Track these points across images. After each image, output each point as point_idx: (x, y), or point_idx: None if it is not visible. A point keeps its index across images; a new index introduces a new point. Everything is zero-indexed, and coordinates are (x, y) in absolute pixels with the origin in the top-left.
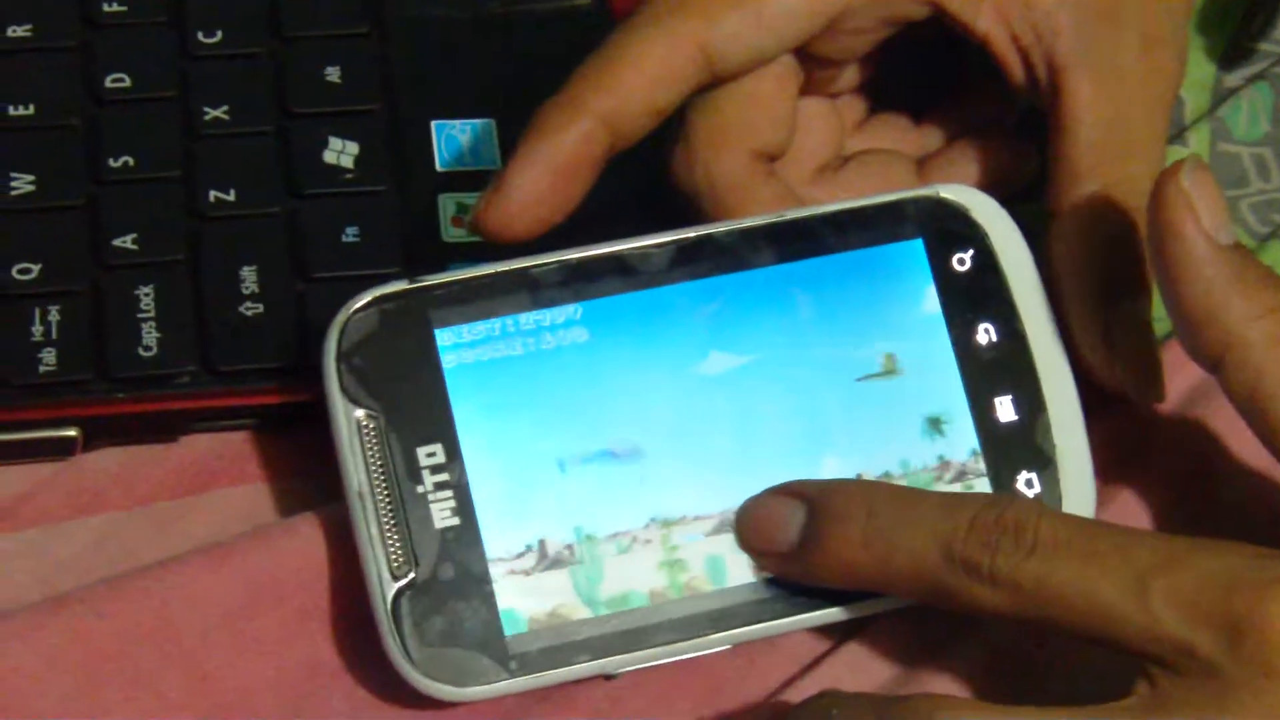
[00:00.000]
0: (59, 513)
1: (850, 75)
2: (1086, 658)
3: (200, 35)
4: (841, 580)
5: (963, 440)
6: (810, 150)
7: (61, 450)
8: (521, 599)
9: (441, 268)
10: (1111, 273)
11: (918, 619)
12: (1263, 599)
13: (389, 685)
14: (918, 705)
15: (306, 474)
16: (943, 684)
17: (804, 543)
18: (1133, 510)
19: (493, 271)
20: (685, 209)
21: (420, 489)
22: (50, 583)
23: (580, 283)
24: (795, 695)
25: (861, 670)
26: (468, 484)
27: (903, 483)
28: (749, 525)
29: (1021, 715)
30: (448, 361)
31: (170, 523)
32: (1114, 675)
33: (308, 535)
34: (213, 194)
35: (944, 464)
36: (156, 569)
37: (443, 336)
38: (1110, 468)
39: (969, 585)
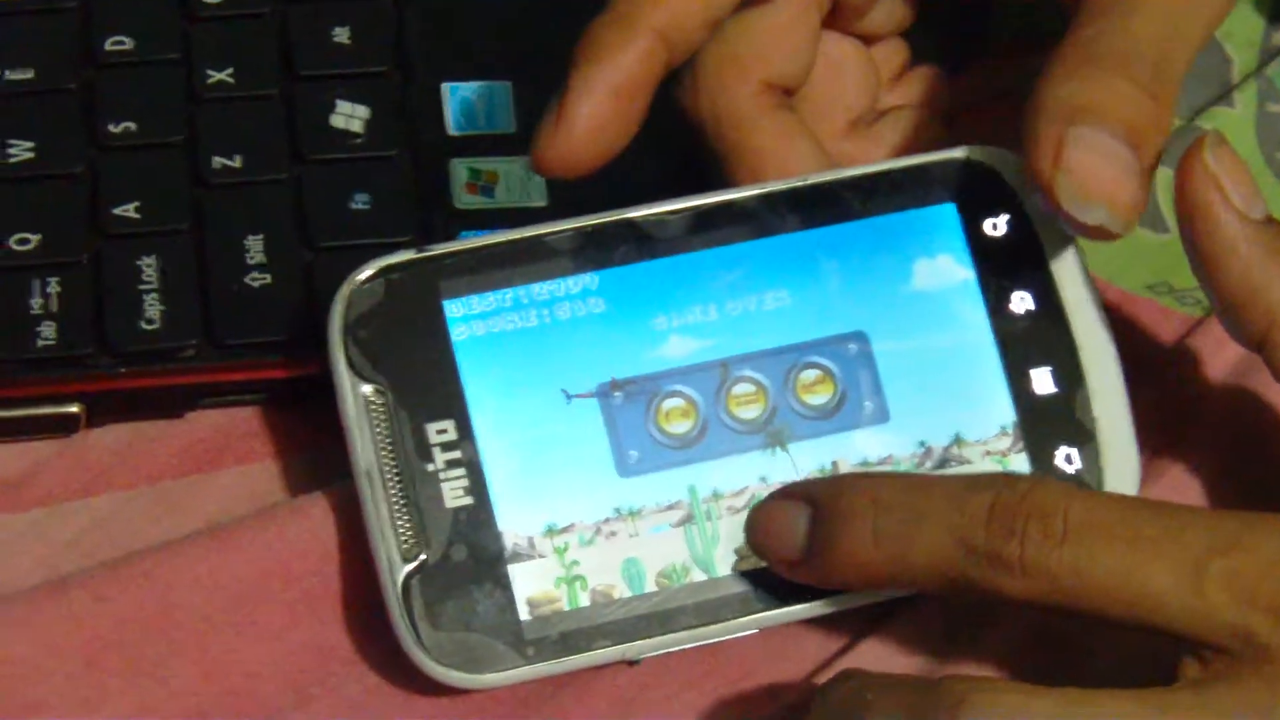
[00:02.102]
0: (61, 493)
1: (883, 15)
2: (1130, 638)
3: None
4: (857, 582)
5: (999, 413)
6: (844, 103)
7: (63, 427)
8: (538, 581)
9: (453, 235)
10: (1082, 101)
11: (947, 606)
12: None
13: (401, 672)
14: (952, 688)
15: (317, 451)
16: (982, 667)
17: (812, 547)
18: (1182, 485)
19: (504, 239)
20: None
21: (431, 467)
22: (53, 565)
23: (596, 251)
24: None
25: (898, 653)
26: (480, 462)
27: (938, 456)
28: (755, 532)
29: (1059, 697)
30: (458, 334)
31: (176, 502)
32: (1161, 654)
33: (316, 516)
34: (217, 160)
35: (979, 439)
36: (160, 552)
37: (452, 308)
38: (1157, 440)
39: (995, 577)
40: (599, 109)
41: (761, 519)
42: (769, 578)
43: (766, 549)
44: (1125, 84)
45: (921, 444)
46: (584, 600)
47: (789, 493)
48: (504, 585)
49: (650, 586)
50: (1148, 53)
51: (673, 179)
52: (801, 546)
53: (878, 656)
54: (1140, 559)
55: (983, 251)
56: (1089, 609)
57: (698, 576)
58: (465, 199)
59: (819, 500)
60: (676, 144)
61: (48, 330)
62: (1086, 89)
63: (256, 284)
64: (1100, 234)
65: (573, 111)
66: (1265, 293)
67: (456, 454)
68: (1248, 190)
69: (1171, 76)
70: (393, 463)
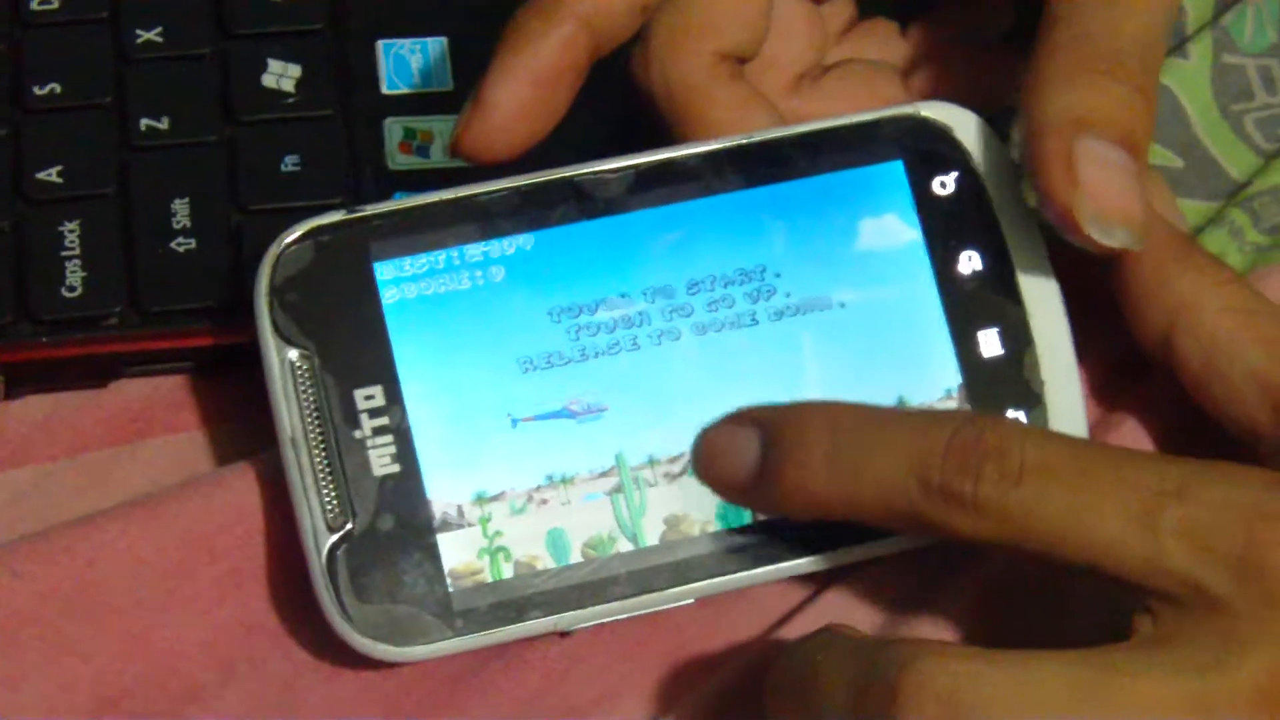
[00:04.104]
0: None
1: None
2: (1087, 604)
3: None
4: (806, 511)
5: (945, 375)
6: (790, 57)
7: None
8: (467, 551)
9: (387, 196)
10: (1084, 112)
11: (898, 569)
12: (1277, 532)
13: (329, 646)
14: (901, 650)
15: (245, 420)
16: (936, 629)
17: (762, 472)
18: (1134, 440)
19: (436, 200)
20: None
21: (358, 434)
22: None
23: (532, 211)
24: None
25: (843, 618)
26: (409, 428)
27: None
28: (703, 455)
29: (1011, 661)
30: (388, 297)
31: (101, 474)
32: (1117, 611)
33: (242, 487)
34: (144, 122)
35: (924, 401)
36: (81, 525)
37: (382, 270)
38: (1108, 396)
39: (948, 514)
40: (518, 95)
41: (711, 441)
42: (705, 546)
43: (715, 473)
44: (1119, 87)
45: None
46: (514, 570)
47: (741, 416)
48: (432, 555)
49: (581, 556)
50: (1134, 49)
51: (613, 138)
52: (751, 472)
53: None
54: (1092, 501)
55: (930, 210)
56: (1042, 550)
57: (630, 546)
58: (400, 159)
59: (772, 425)
60: (617, 103)
61: None
62: (1085, 97)
63: (183, 249)
64: (1117, 252)
65: (492, 97)
66: (1175, 281)
67: (384, 420)
68: (1170, 204)
69: (1156, 67)
70: (319, 429)
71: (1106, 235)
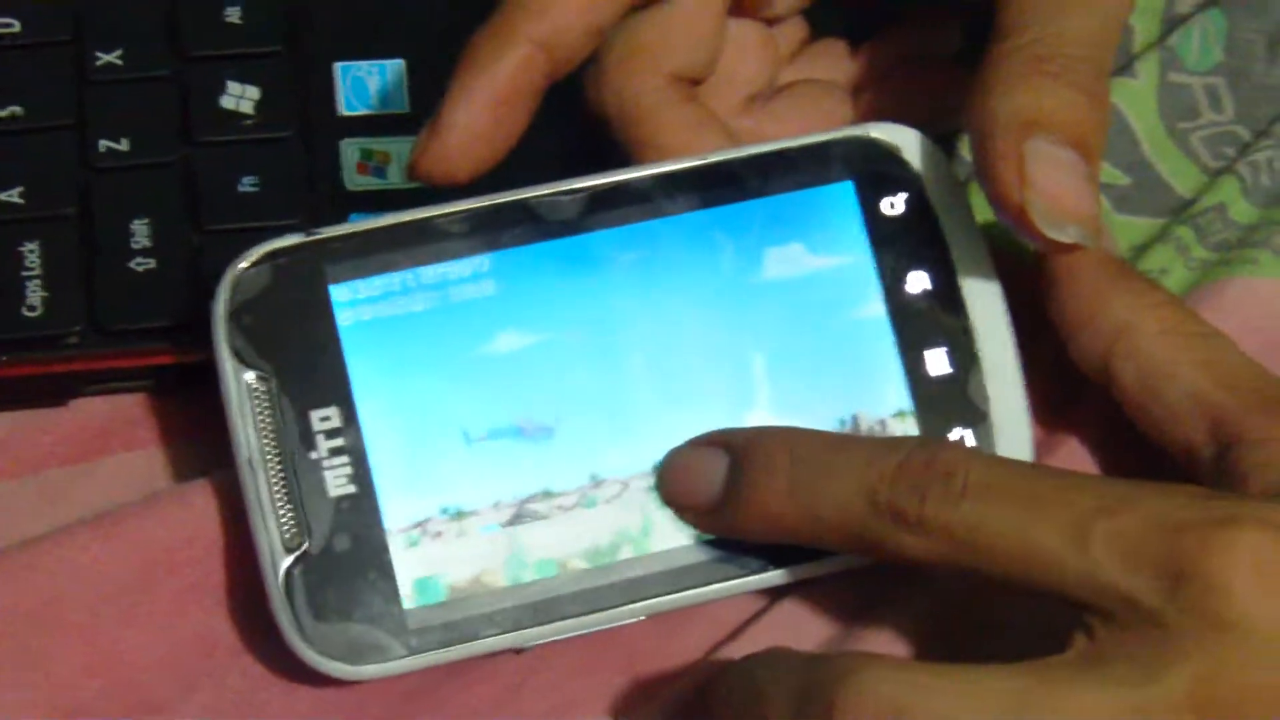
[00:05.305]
0: None
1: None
2: (1035, 615)
3: None
4: (768, 534)
5: (893, 395)
6: (742, 78)
7: None
8: (422, 571)
9: (344, 217)
10: (1034, 113)
11: (847, 583)
12: (1208, 543)
13: (286, 662)
14: (840, 663)
15: (205, 437)
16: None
17: (727, 495)
18: (1078, 460)
19: (393, 222)
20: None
21: (314, 455)
22: None
23: (488, 233)
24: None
25: (788, 637)
26: (364, 449)
27: None
28: (670, 478)
29: (950, 673)
30: (343, 319)
31: (61, 492)
32: (1056, 632)
33: (200, 504)
34: (104, 143)
35: (874, 420)
36: (42, 542)
37: (338, 292)
38: (1053, 415)
39: (897, 534)
40: (476, 118)
41: (679, 464)
42: (657, 564)
43: (681, 495)
44: (1070, 90)
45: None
46: (468, 589)
47: (709, 439)
48: (387, 575)
49: (535, 574)
50: (1084, 53)
51: (569, 160)
52: (717, 495)
53: (771, 638)
54: (1030, 518)
55: (880, 231)
56: (984, 568)
57: (584, 564)
58: (357, 180)
59: (737, 448)
60: (573, 125)
61: None
62: (1036, 100)
63: (142, 268)
64: (1070, 250)
65: (448, 121)
66: (1113, 304)
67: (340, 441)
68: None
69: (1106, 72)
70: (275, 451)
71: (1060, 232)
